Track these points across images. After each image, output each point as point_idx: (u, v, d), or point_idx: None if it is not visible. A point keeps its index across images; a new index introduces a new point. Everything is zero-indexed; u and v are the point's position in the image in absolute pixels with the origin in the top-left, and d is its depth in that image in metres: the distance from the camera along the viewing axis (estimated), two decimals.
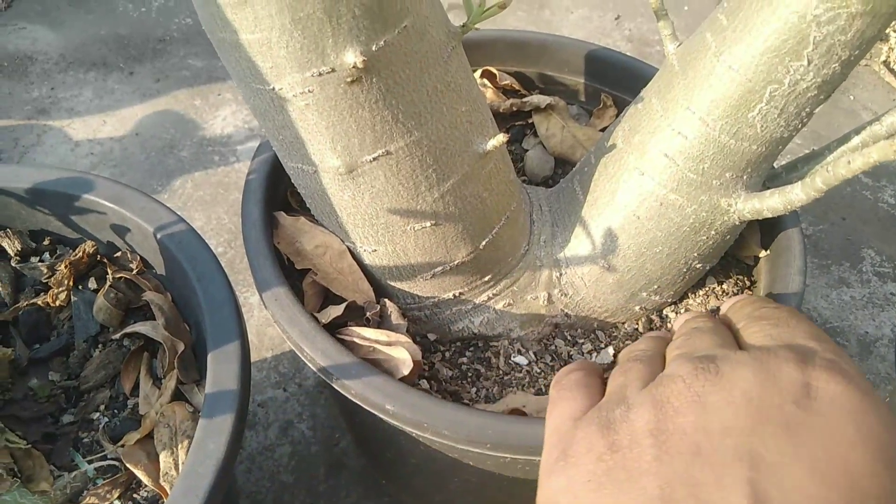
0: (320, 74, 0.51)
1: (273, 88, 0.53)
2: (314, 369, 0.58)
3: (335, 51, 0.50)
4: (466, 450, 0.56)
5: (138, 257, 0.75)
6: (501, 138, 0.59)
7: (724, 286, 0.73)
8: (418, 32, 0.54)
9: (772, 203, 0.59)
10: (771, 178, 0.66)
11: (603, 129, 0.87)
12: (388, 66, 0.53)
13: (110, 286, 0.72)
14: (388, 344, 0.60)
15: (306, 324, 0.59)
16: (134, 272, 0.74)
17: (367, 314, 0.63)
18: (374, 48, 0.51)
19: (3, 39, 1.59)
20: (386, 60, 0.52)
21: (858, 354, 1.18)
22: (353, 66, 0.50)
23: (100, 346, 0.72)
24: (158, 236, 0.70)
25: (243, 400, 0.59)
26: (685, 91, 0.60)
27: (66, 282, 0.73)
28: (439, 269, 0.64)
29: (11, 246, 0.75)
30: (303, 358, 0.59)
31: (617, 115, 0.87)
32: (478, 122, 0.61)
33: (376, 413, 0.56)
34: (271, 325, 1.14)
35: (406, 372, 0.59)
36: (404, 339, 0.61)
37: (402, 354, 0.59)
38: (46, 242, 0.77)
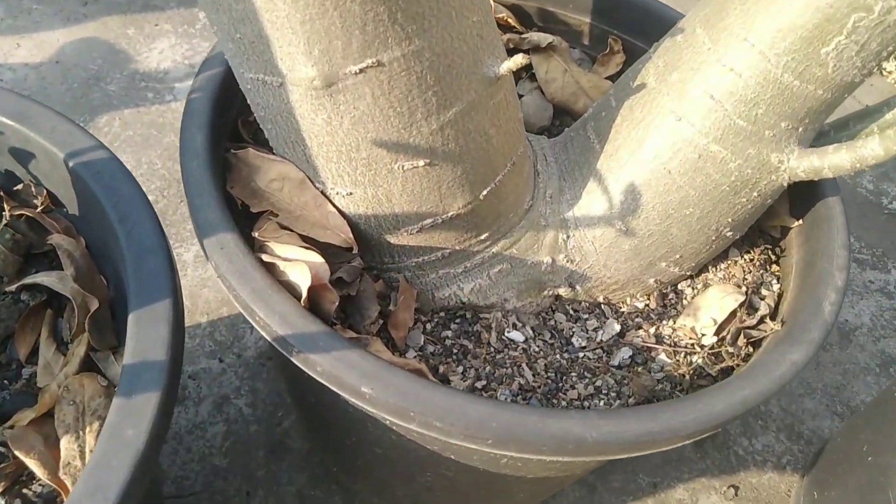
0: None
1: None
2: (269, 339, 0.46)
3: None
4: (459, 445, 0.44)
5: (45, 191, 0.60)
6: (520, 59, 0.47)
7: (748, 257, 0.63)
8: None
9: (836, 160, 0.49)
10: (817, 137, 0.56)
11: (609, 78, 0.76)
12: None
13: (6, 225, 0.57)
14: (290, 261, 0.47)
15: (260, 280, 0.46)
16: (38, 210, 0.59)
17: (342, 274, 0.50)
18: None
19: None
20: None
21: (838, 343, 1.13)
22: None
23: None
24: (71, 164, 0.55)
25: (173, 374, 0.45)
26: (743, 18, 0.49)
27: None
28: (429, 221, 0.52)
29: None
30: (254, 323, 0.46)
31: (626, 63, 0.76)
32: (489, 39, 0.49)
33: (350, 398, 0.43)
34: (207, 285, 1.00)
35: (303, 294, 0.46)
36: (315, 258, 0.48)
37: (301, 273, 0.46)
38: None
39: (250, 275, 0.46)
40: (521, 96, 0.75)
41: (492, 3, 0.74)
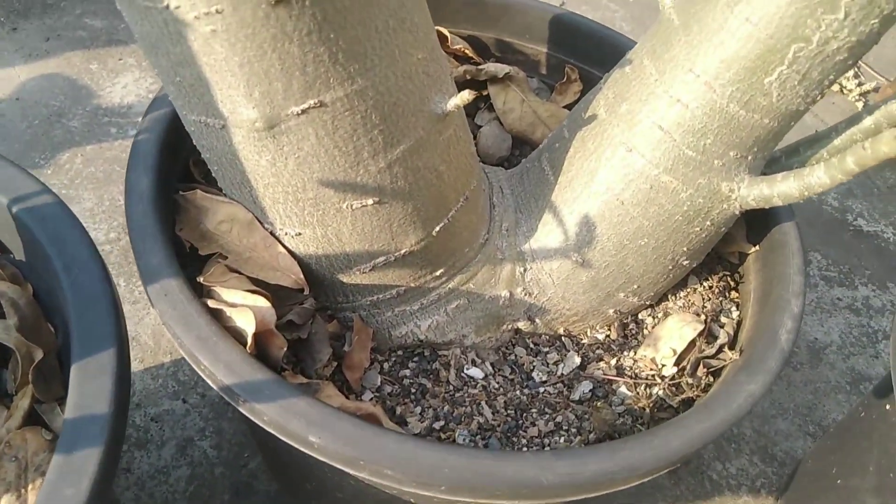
0: None
1: (167, 6, 0.39)
2: (215, 387, 0.44)
3: None
4: (413, 492, 0.43)
5: None
6: (467, 96, 0.47)
7: (708, 284, 0.63)
8: None
9: (785, 188, 0.50)
10: (769, 164, 0.57)
11: (567, 107, 0.76)
12: None
13: None
14: (236, 307, 0.46)
15: (205, 327, 0.45)
16: None
17: (293, 316, 0.49)
18: None
19: None
20: None
21: (809, 362, 1.13)
22: None
23: None
24: (14, 210, 0.54)
25: (116, 429, 0.44)
26: (688, 50, 0.49)
27: None
28: (381, 259, 0.51)
29: None
30: (200, 372, 0.45)
31: (583, 92, 0.76)
32: (436, 76, 0.49)
33: (298, 447, 0.42)
34: None
35: (248, 340, 0.45)
36: (261, 303, 0.47)
37: (245, 319, 0.45)
38: None
39: (195, 322, 0.45)
40: (479, 127, 0.75)
41: (448, 34, 0.75)
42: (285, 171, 0.46)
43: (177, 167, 0.58)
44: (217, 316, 0.46)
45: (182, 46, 0.41)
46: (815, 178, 0.47)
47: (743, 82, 0.47)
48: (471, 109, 0.76)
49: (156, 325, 0.98)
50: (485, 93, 0.76)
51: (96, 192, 1.12)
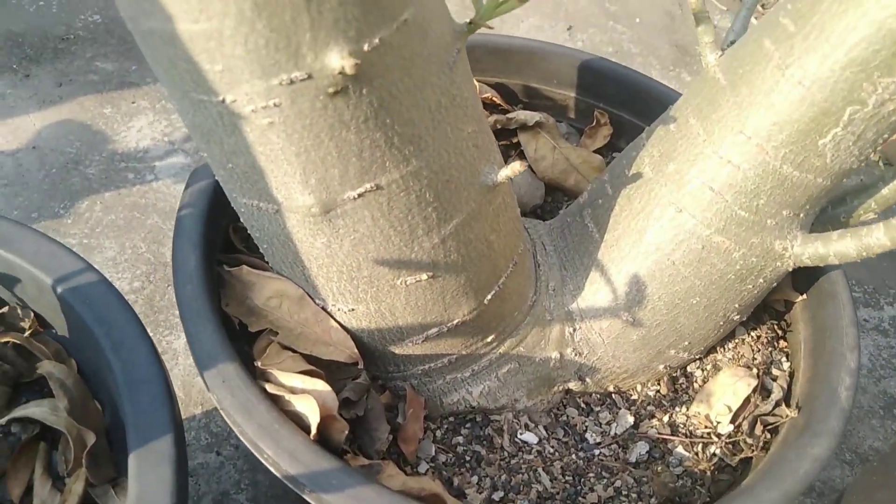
0: (292, 82, 0.37)
1: (223, 100, 0.38)
2: (279, 475, 0.44)
3: (314, 50, 0.36)
4: None
5: (31, 314, 0.58)
6: (518, 167, 0.46)
7: (755, 334, 0.62)
8: (420, 29, 0.40)
9: (841, 248, 0.49)
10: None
11: (598, 151, 0.76)
12: (383, 73, 0.39)
13: None
14: (296, 392, 0.46)
15: (266, 414, 0.44)
16: (26, 334, 0.57)
17: (348, 393, 0.48)
18: (365, 47, 0.37)
19: None
20: (380, 65, 0.39)
21: None
22: (339, 72, 0.37)
23: None
24: (59, 290, 0.53)
25: None
26: (737, 111, 0.49)
27: None
28: (434, 330, 0.51)
29: None
30: (262, 460, 0.44)
31: (613, 135, 0.76)
32: (485, 147, 0.48)
33: None
34: (197, 374, 0.97)
35: (313, 430, 0.44)
36: (321, 387, 0.47)
37: (308, 406, 0.45)
38: None
39: (255, 409, 0.44)
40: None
41: (476, 83, 0.74)
42: (340, 252, 0.45)
43: (218, 237, 0.57)
44: (276, 401, 0.45)
45: (237, 137, 0.40)
46: (875, 238, 0.47)
47: (796, 144, 0.47)
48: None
49: (185, 377, 0.97)
50: (515, 140, 0.75)
51: (118, 240, 1.12)
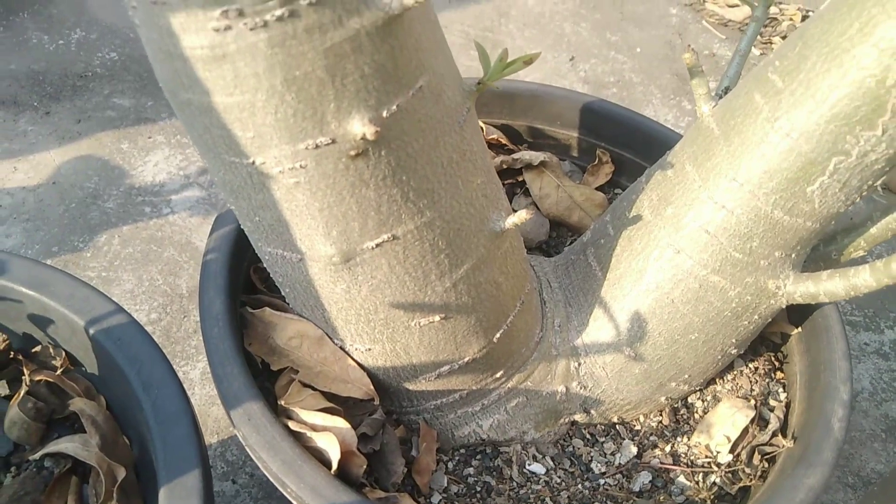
0: (317, 147, 0.40)
1: (253, 162, 0.42)
2: None
3: (337, 118, 0.40)
4: None
5: (63, 353, 0.61)
6: (524, 214, 0.49)
7: (753, 366, 0.65)
8: (434, 93, 0.44)
9: (831, 287, 0.52)
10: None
11: (599, 188, 0.79)
12: (400, 136, 0.42)
13: (27, 393, 0.58)
14: (317, 429, 0.49)
15: (289, 451, 0.47)
16: (58, 372, 0.60)
17: (365, 428, 0.51)
18: (385, 114, 0.41)
19: None
20: (398, 129, 0.42)
21: None
22: (360, 138, 0.40)
23: (13, 469, 0.57)
24: (91, 332, 0.56)
25: None
26: (730, 160, 0.52)
27: None
28: (446, 368, 0.53)
29: None
30: (286, 493, 0.47)
31: (614, 173, 0.79)
32: (493, 196, 0.51)
33: None
34: (216, 403, 1.00)
35: (334, 465, 0.47)
36: (341, 424, 0.49)
37: (329, 443, 0.48)
38: None
39: (279, 446, 0.47)
40: (516, 212, 0.78)
41: (483, 125, 0.78)
42: (358, 297, 0.48)
43: (240, 278, 0.60)
44: (298, 438, 0.48)
45: (265, 194, 0.44)
46: (861, 279, 0.50)
47: (786, 191, 0.50)
48: (507, 194, 0.79)
49: (201, 406, 1.00)
50: (521, 178, 0.79)
51: (135, 272, 1.15)
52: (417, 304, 0.49)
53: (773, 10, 1.98)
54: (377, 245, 0.46)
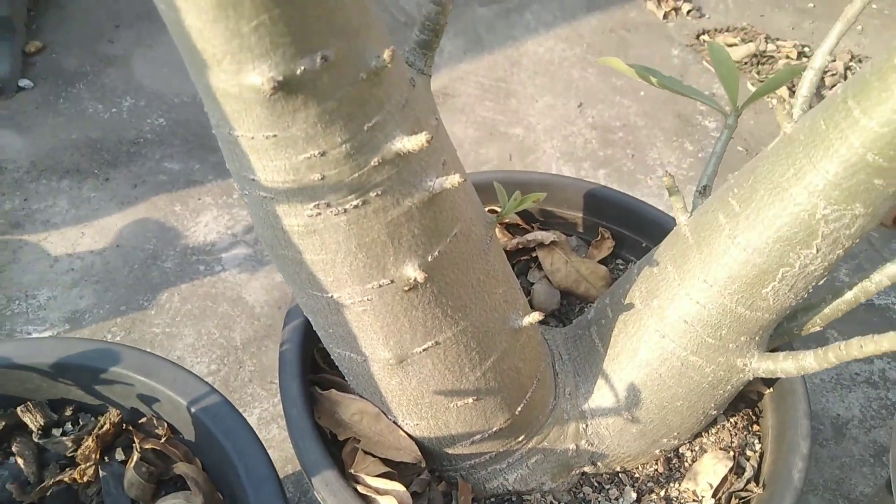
0: (380, 286, 0.54)
1: (332, 296, 0.55)
2: None
3: (395, 266, 0.53)
4: None
5: (165, 423, 0.75)
6: (537, 316, 0.63)
7: (734, 420, 0.77)
8: (465, 235, 0.57)
9: (785, 366, 0.65)
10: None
11: (602, 261, 0.92)
12: (441, 271, 0.56)
13: (140, 459, 0.72)
14: (381, 493, 0.62)
15: None
16: (162, 440, 0.74)
17: (416, 487, 0.64)
18: (429, 259, 0.54)
19: None
20: (439, 267, 0.55)
21: (833, 438, 1.25)
22: (412, 280, 0.53)
23: None
24: (193, 410, 0.70)
25: None
26: (701, 265, 0.65)
27: (93, 456, 0.72)
28: (478, 436, 0.67)
29: (33, 421, 0.74)
30: None
31: (614, 248, 0.92)
32: (512, 300, 0.65)
33: None
34: (271, 446, 1.14)
35: None
36: (399, 487, 0.63)
37: None
38: (68, 413, 0.76)
39: None
40: (532, 284, 0.91)
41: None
42: (409, 387, 0.62)
43: (308, 361, 0.74)
44: (366, 499, 0.62)
45: (338, 316, 0.57)
46: (808, 362, 0.62)
47: (746, 292, 0.63)
48: (523, 269, 0.92)
49: None
50: (534, 255, 0.92)
51: (195, 327, 1.30)
52: (455, 390, 0.62)
53: (770, 46, 2.10)
54: (424, 350, 0.59)
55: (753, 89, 1.93)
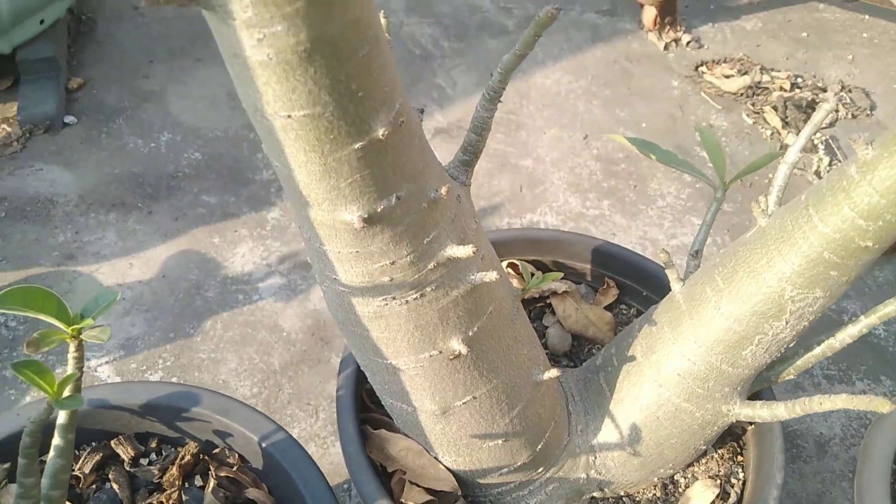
0: (430, 356, 0.67)
1: (391, 363, 0.68)
2: None
3: (443, 340, 0.66)
4: None
5: (236, 454, 0.88)
6: (555, 372, 0.76)
7: (721, 452, 0.91)
8: (497, 311, 0.70)
9: (761, 413, 0.78)
10: None
11: (608, 307, 1.05)
12: (479, 342, 0.69)
13: (217, 485, 0.85)
14: None
15: None
16: (234, 468, 0.87)
17: None
18: (470, 334, 0.67)
19: (22, 182, 1.69)
20: (477, 339, 0.69)
21: (816, 454, 1.39)
22: (457, 351, 0.66)
23: None
24: (264, 445, 0.84)
25: None
26: (692, 329, 0.78)
27: (176, 483, 0.86)
28: (505, 469, 0.80)
29: (126, 452, 0.87)
30: None
31: (618, 295, 1.05)
32: (535, 357, 0.78)
33: None
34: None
35: None
36: None
37: None
38: (153, 445, 0.90)
39: None
40: (546, 328, 1.04)
41: (518, 262, 1.04)
42: (449, 432, 0.75)
43: (358, 399, 0.87)
44: None
45: (395, 377, 0.71)
46: (779, 411, 0.75)
47: (728, 352, 0.76)
48: (539, 314, 1.05)
49: None
50: (548, 302, 1.05)
51: (237, 353, 1.43)
52: (487, 434, 0.76)
53: (765, 77, 2.22)
54: (463, 403, 0.72)
55: (749, 121, 2.06)
